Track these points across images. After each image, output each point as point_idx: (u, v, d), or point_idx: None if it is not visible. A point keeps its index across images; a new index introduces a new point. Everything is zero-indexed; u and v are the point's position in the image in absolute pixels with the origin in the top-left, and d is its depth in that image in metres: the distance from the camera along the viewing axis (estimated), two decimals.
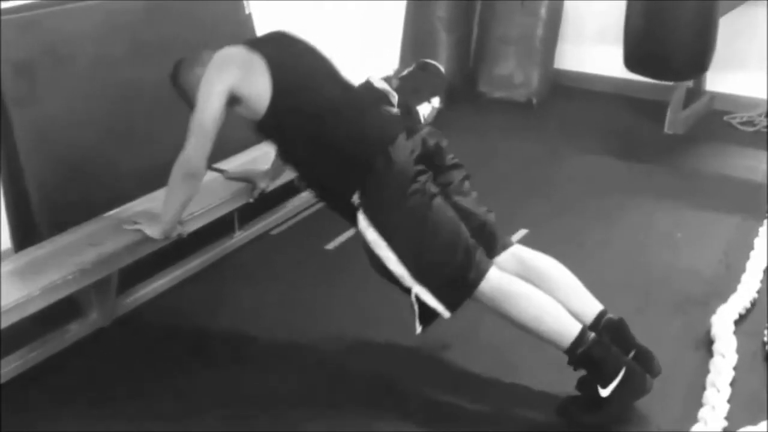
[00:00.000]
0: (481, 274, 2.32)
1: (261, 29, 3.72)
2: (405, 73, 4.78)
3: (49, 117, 2.87)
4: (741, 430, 2.27)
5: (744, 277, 3.06)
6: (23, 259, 2.62)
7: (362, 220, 2.36)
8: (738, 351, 2.62)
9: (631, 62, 4.55)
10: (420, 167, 2.37)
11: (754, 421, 2.31)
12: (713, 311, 2.82)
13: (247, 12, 3.67)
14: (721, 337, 2.67)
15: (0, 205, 2.86)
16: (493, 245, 2.46)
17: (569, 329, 2.30)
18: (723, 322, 2.75)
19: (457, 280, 2.32)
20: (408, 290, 2.35)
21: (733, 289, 2.98)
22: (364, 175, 2.36)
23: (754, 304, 2.93)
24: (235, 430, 2.36)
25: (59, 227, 2.78)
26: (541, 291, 2.35)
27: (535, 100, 5.14)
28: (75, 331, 2.72)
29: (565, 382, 2.39)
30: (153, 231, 2.66)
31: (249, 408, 2.44)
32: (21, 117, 2.78)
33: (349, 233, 3.43)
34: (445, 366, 2.64)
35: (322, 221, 3.57)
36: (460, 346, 2.70)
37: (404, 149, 2.37)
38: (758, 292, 2.99)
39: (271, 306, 2.96)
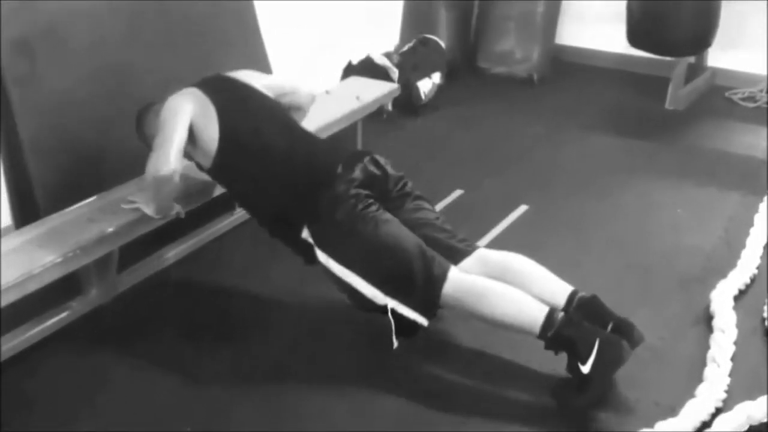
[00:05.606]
0: (443, 273, 2.38)
1: (262, 12, 3.71)
2: (405, 48, 4.76)
3: (48, 95, 2.86)
4: (740, 404, 2.28)
5: (744, 253, 3.06)
6: (23, 236, 2.62)
7: (321, 255, 2.47)
8: (738, 326, 2.62)
9: (633, 38, 4.53)
10: (363, 192, 2.49)
11: (753, 396, 2.32)
12: (713, 287, 2.83)
13: None
14: (721, 313, 2.67)
15: (0, 182, 2.87)
16: (452, 254, 2.49)
17: (536, 314, 2.32)
18: (722, 298, 2.75)
19: (423, 285, 2.38)
20: (384, 309, 2.41)
21: (733, 265, 2.98)
22: (310, 208, 2.48)
23: (753, 279, 2.93)
24: (236, 404, 2.36)
25: (59, 205, 2.77)
26: (504, 283, 2.38)
27: (535, 76, 5.12)
28: (75, 308, 2.72)
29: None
30: (151, 210, 2.70)
31: (250, 383, 2.45)
32: (21, 95, 2.77)
33: None
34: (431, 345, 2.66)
35: None
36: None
37: (343, 179, 2.48)
38: (758, 267, 2.99)
39: (272, 281, 2.96)
